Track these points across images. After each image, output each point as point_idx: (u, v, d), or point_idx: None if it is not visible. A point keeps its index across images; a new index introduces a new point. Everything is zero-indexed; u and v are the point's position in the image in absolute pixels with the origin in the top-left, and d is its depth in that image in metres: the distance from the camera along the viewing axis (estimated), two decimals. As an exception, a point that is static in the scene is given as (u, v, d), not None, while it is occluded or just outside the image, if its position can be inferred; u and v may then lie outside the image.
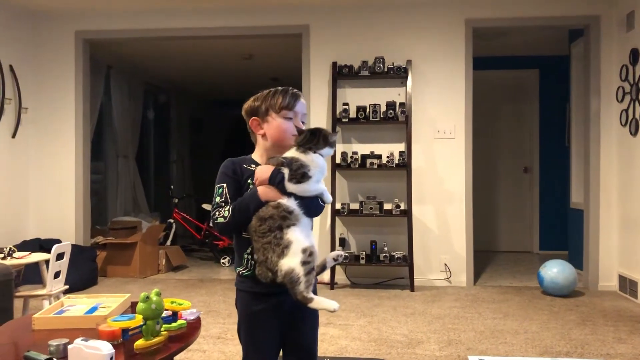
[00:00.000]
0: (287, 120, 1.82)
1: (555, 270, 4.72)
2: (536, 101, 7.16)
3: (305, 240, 1.68)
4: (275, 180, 1.71)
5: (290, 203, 1.71)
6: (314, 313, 1.89)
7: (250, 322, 1.82)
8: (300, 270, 1.63)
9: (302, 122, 1.85)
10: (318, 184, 1.75)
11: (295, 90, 1.87)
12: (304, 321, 1.86)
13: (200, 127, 10.43)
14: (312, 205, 1.76)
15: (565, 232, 6.24)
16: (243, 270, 1.81)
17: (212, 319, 4.00)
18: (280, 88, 1.87)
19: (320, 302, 1.66)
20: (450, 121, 5.20)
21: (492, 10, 5.17)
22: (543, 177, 7.14)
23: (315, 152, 1.74)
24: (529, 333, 3.69)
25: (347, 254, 1.82)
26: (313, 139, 1.75)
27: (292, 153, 1.75)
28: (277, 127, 1.82)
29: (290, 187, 1.71)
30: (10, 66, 5.22)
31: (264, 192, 1.72)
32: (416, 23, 5.25)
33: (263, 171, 1.74)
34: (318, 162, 1.74)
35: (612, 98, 5.02)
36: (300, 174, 1.71)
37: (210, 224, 6.79)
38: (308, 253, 1.65)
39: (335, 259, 1.80)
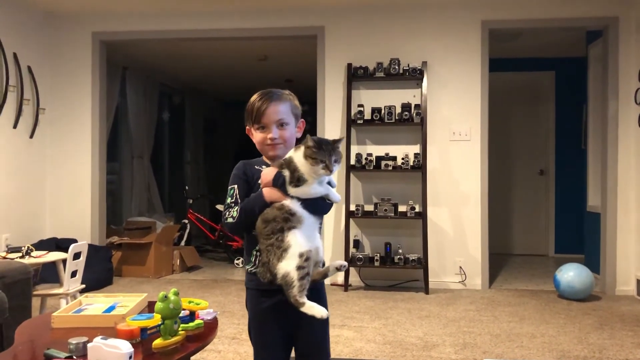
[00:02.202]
0: (263, 132, 1.85)
1: (571, 274, 4.67)
2: (552, 103, 7.10)
3: (304, 244, 1.69)
4: (278, 183, 1.74)
5: (294, 204, 1.72)
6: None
7: (259, 320, 1.85)
8: (294, 275, 1.65)
9: (284, 125, 1.83)
10: (320, 185, 1.74)
11: (266, 96, 1.85)
12: (314, 318, 1.82)
13: (214, 128, 10.47)
14: (317, 206, 1.77)
15: (581, 235, 6.18)
16: (251, 267, 1.83)
17: (227, 320, 4.01)
18: (256, 97, 1.87)
19: (311, 307, 1.67)
20: (465, 123, 5.17)
21: (508, 11, 5.13)
22: (559, 179, 7.08)
23: (312, 162, 1.71)
24: (546, 337, 3.66)
25: (346, 263, 1.81)
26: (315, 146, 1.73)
27: (291, 152, 1.76)
28: (257, 141, 1.88)
29: (291, 190, 1.72)
30: (29, 67, 5.27)
31: (269, 193, 1.75)
32: (432, 24, 5.23)
33: (267, 173, 1.78)
34: (307, 170, 1.72)
35: (630, 100, 4.97)
36: (297, 178, 1.71)
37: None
38: (304, 258, 1.67)
39: (338, 269, 1.79)
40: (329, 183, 1.80)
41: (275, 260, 1.68)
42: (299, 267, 1.66)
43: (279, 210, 1.71)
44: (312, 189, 1.73)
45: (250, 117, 1.86)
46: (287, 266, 1.66)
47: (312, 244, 1.72)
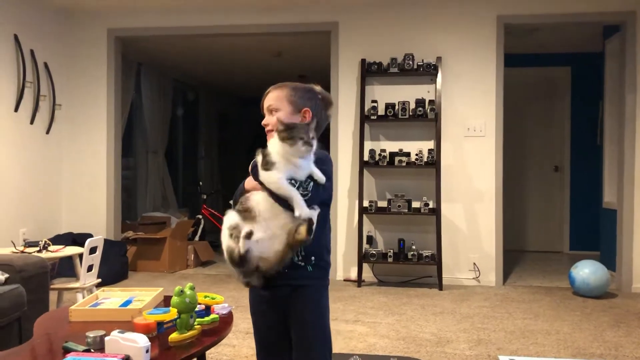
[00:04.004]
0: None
1: (587, 271, 4.64)
2: (567, 99, 7.03)
3: (233, 220, 1.73)
4: (250, 168, 1.76)
5: (257, 197, 1.71)
6: (313, 302, 1.82)
7: (252, 314, 1.91)
8: (230, 243, 1.72)
9: (272, 111, 1.82)
10: (284, 180, 1.66)
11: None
12: (302, 312, 1.81)
13: (228, 124, 10.50)
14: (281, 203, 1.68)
15: (596, 232, 6.13)
16: None
17: (241, 314, 4.02)
18: None
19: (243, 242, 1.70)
20: (480, 119, 5.14)
21: (524, 6, 5.09)
22: (574, 176, 7.02)
23: (290, 142, 1.67)
24: (561, 334, 3.64)
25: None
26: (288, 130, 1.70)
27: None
28: None
29: (261, 174, 1.69)
30: (45, 64, 5.32)
31: (248, 180, 1.79)
32: (446, 19, 5.20)
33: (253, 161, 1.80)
34: (280, 151, 1.68)
35: (648, 95, 4.91)
36: (266, 161, 1.69)
37: None
38: (232, 227, 1.71)
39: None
40: (314, 179, 1.73)
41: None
42: (230, 235, 1.71)
43: (240, 204, 1.75)
44: (274, 177, 1.66)
45: None
46: (223, 242, 1.76)
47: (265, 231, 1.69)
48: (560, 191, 7.11)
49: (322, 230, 1.79)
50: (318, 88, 1.90)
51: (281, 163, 1.66)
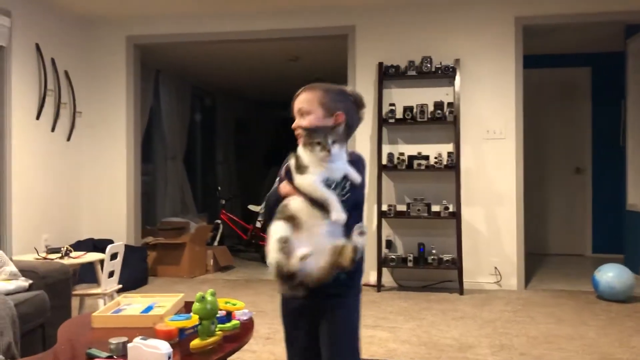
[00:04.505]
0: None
1: (611, 275, 4.56)
2: (588, 100, 6.94)
3: (283, 232, 1.62)
4: (284, 171, 1.72)
5: (296, 204, 1.65)
6: (341, 316, 1.79)
7: (284, 323, 1.88)
8: (280, 258, 1.61)
9: (303, 114, 1.76)
10: (319, 182, 1.63)
11: (300, 89, 1.83)
12: (333, 317, 1.78)
13: (246, 129, 10.54)
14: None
15: (619, 235, 6.03)
16: None
17: (260, 320, 4.02)
18: None
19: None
20: (500, 121, 5.09)
21: (543, 7, 5.03)
22: (596, 178, 6.91)
23: (310, 148, 1.64)
24: (585, 339, 3.57)
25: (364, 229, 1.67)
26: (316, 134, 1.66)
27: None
28: None
29: (296, 178, 1.66)
30: (66, 72, 5.39)
31: (283, 185, 1.72)
32: (464, 21, 5.17)
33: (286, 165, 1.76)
34: (310, 157, 1.64)
35: (671, 95, 4.82)
36: (299, 165, 1.65)
37: (257, 225, 6.87)
38: (283, 240, 1.60)
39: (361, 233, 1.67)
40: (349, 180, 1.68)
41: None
42: (281, 249, 1.61)
43: (280, 213, 1.67)
44: (315, 183, 1.62)
45: None
46: (271, 256, 1.63)
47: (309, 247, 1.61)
48: (582, 193, 7.00)
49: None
50: (350, 89, 1.87)
51: (313, 166, 1.63)
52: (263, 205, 1.82)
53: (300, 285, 1.65)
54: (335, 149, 1.64)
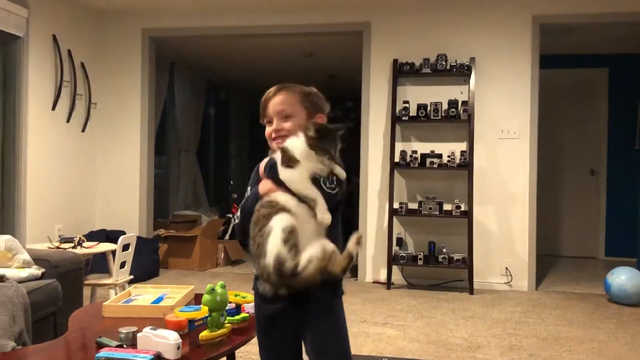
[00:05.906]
0: (269, 126, 1.71)
1: (623, 278, 4.51)
2: (605, 101, 6.86)
3: (289, 221, 1.50)
4: (269, 170, 1.59)
5: (283, 197, 1.54)
6: (329, 316, 1.66)
7: (263, 327, 1.72)
8: (283, 250, 1.48)
9: (287, 117, 1.66)
10: (307, 180, 1.54)
11: (273, 89, 1.72)
12: (323, 316, 1.65)
13: (258, 123, 10.55)
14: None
15: (633, 238, 5.96)
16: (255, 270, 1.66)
17: (270, 314, 4.04)
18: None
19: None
20: (514, 121, 5.06)
21: (561, 6, 4.98)
22: (610, 180, 6.84)
23: (320, 153, 1.55)
24: (596, 342, 3.55)
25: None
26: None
27: (287, 140, 1.61)
28: (266, 137, 1.73)
29: (282, 172, 1.54)
30: (82, 63, 5.43)
31: (262, 184, 1.61)
32: (481, 19, 5.13)
33: (262, 163, 1.65)
34: (304, 152, 1.54)
35: (690, 98, 4.76)
36: (288, 158, 1.54)
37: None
38: (288, 231, 1.49)
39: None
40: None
41: (262, 255, 1.51)
42: (285, 240, 1.48)
43: (266, 208, 1.54)
44: (304, 180, 1.53)
45: (261, 113, 1.74)
46: (273, 245, 1.49)
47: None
48: (596, 195, 6.94)
49: (332, 234, 1.61)
50: (316, 90, 1.76)
51: (305, 161, 1.53)
52: (237, 214, 1.68)
53: (287, 287, 1.54)
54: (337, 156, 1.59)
